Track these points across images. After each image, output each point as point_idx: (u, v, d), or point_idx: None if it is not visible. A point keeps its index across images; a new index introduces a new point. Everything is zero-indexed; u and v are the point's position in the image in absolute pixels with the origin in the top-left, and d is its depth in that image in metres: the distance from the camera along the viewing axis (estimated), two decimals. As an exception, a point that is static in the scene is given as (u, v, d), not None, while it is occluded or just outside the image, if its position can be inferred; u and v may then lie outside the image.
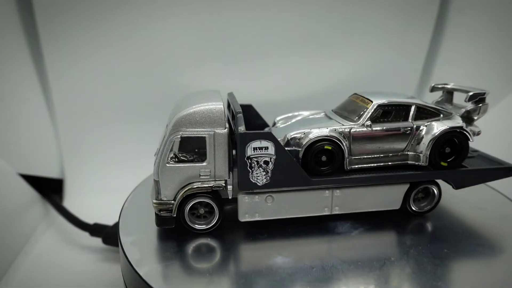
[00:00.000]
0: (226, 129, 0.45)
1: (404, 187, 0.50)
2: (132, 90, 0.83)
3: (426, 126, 0.50)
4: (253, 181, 0.45)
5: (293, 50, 0.86)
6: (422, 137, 0.49)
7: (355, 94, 0.55)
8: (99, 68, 0.81)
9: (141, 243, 0.46)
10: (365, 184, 0.49)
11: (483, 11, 0.87)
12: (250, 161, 0.45)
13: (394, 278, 0.40)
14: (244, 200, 0.47)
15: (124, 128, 0.85)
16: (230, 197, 0.47)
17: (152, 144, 0.87)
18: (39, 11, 0.75)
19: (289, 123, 0.55)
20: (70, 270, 0.63)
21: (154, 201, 0.46)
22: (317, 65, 0.88)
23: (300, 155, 0.47)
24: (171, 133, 0.45)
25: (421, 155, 0.49)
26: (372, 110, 0.49)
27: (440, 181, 0.52)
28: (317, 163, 0.48)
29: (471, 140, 0.50)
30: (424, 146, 0.49)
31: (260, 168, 0.45)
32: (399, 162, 0.50)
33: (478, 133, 0.52)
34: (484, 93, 0.52)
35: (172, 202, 0.46)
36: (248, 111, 0.60)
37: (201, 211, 0.48)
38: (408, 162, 0.50)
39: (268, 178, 0.46)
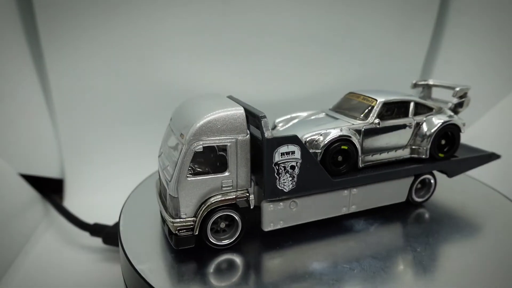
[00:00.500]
0: (248, 135, 0.42)
1: (410, 180, 0.53)
2: (132, 90, 0.83)
3: (425, 121, 0.53)
4: (280, 188, 0.44)
5: (293, 50, 0.86)
6: (423, 132, 0.52)
7: (352, 92, 0.56)
8: (99, 68, 0.81)
9: (142, 243, 0.46)
10: (379, 180, 0.50)
11: (482, 11, 0.87)
12: (277, 167, 0.43)
13: (431, 268, 0.42)
14: (269, 209, 0.45)
15: (124, 128, 0.86)
16: (252, 207, 0.45)
17: (152, 144, 0.88)
18: (40, 11, 0.75)
19: (290, 124, 0.55)
20: (70, 270, 0.63)
21: (172, 220, 0.41)
22: (317, 65, 0.88)
23: (320, 156, 0.47)
24: (191, 143, 0.40)
25: (423, 148, 0.52)
26: (379, 108, 0.50)
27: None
28: (333, 163, 0.48)
29: (462, 132, 0.54)
30: (425, 140, 0.52)
31: (287, 174, 0.44)
32: (404, 157, 0.53)
33: (464, 125, 0.55)
34: (468, 88, 0.57)
35: (193, 219, 0.42)
36: None
37: (222, 225, 0.44)
38: (413, 155, 0.53)
39: (294, 183, 0.44)
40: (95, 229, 0.67)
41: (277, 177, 0.43)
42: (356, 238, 0.47)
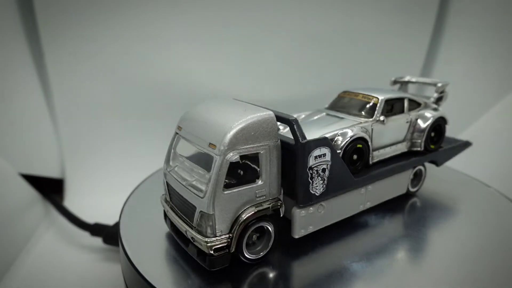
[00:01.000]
0: (279, 140, 0.40)
1: (409, 172, 0.56)
2: (132, 90, 0.83)
3: (418, 115, 0.56)
4: (313, 192, 0.43)
5: (293, 51, 0.86)
6: (418, 126, 0.55)
7: (347, 91, 0.56)
8: (100, 68, 0.81)
9: (142, 242, 0.46)
10: (390, 175, 0.52)
11: (482, 11, 0.87)
12: (311, 172, 0.42)
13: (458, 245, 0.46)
14: (301, 215, 0.43)
15: (125, 128, 0.86)
16: (281, 215, 0.43)
17: (152, 144, 0.88)
18: (40, 11, 0.75)
19: None
20: (71, 270, 0.63)
21: (207, 240, 0.38)
22: (317, 65, 0.88)
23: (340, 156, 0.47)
24: (226, 153, 0.37)
25: (419, 141, 0.55)
26: (382, 105, 0.52)
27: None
28: (350, 162, 0.48)
29: (448, 124, 0.58)
30: (420, 134, 0.55)
31: (319, 177, 0.43)
32: (402, 151, 0.55)
33: None
34: (448, 84, 0.61)
35: (229, 235, 0.39)
36: None
37: (254, 237, 0.42)
38: (412, 149, 0.56)
39: (325, 186, 0.44)
40: (96, 229, 0.67)
41: (311, 181, 0.42)
42: (376, 233, 0.49)
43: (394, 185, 0.54)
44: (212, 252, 0.38)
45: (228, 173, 0.37)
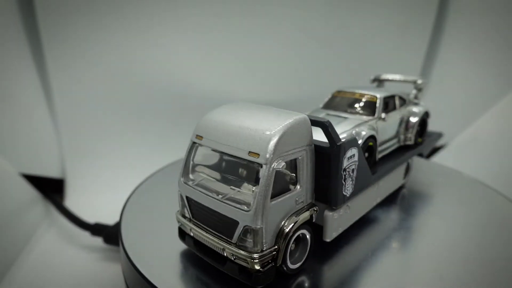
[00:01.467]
0: (313, 144, 0.39)
1: (404, 166, 0.59)
2: (133, 90, 0.83)
3: (407, 111, 0.58)
4: (345, 194, 0.42)
5: (292, 51, 0.86)
6: (408, 121, 0.58)
7: (341, 91, 0.57)
8: (101, 68, 0.81)
9: (143, 242, 0.46)
10: (394, 169, 0.54)
11: (482, 11, 0.87)
12: (344, 173, 0.41)
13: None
14: (334, 218, 0.43)
15: (125, 128, 0.86)
16: (314, 220, 0.41)
17: (152, 144, 0.88)
18: (41, 11, 0.75)
19: None
20: (71, 270, 0.63)
21: (255, 256, 0.35)
22: (317, 66, 0.88)
23: None
24: (272, 161, 0.34)
25: (409, 136, 0.58)
26: (382, 104, 0.53)
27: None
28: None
29: (429, 117, 0.61)
30: (411, 128, 0.58)
31: (349, 178, 0.42)
32: (398, 145, 0.58)
33: None
34: (427, 81, 0.64)
35: (274, 248, 0.36)
36: None
37: (292, 246, 0.39)
38: (406, 143, 0.58)
39: (353, 186, 0.43)
40: (96, 229, 0.67)
41: (344, 183, 0.42)
42: (390, 225, 0.50)
43: (395, 178, 0.57)
44: (259, 268, 0.35)
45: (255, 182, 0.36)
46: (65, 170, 0.86)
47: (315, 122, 0.39)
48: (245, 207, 0.35)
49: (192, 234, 0.41)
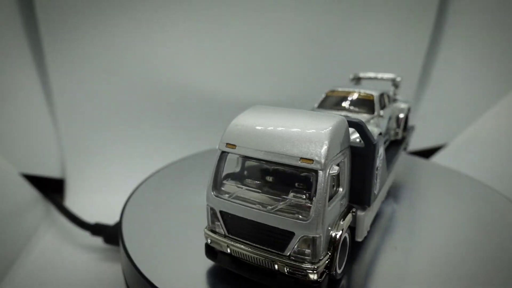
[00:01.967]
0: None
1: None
2: (133, 90, 0.84)
3: (395, 108, 0.59)
4: (375, 192, 0.41)
5: (292, 51, 0.86)
6: (398, 117, 0.59)
7: (335, 90, 0.57)
8: (101, 68, 0.81)
9: (143, 242, 0.46)
10: (395, 163, 0.54)
11: (482, 11, 0.87)
12: (376, 171, 0.41)
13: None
14: (367, 217, 0.41)
15: (125, 128, 0.86)
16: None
17: (152, 144, 0.88)
18: (41, 11, 0.75)
19: None
20: (71, 270, 0.63)
21: (315, 266, 0.33)
22: (316, 65, 0.88)
23: None
24: (327, 166, 0.33)
25: (398, 130, 0.59)
26: (379, 101, 0.53)
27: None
28: None
29: (410, 112, 0.63)
30: (399, 123, 0.59)
31: (378, 176, 0.42)
32: (390, 140, 0.58)
33: None
34: (401, 78, 0.65)
35: (328, 255, 0.35)
36: None
37: None
38: (396, 138, 0.59)
39: (378, 183, 0.42)
40: (96, 229, 0.67)
41: (376, 181, 0.41)
42: (390, 225, 0.50)
43: (394, 172, 0.58)
44: (317, 278, 0.34)
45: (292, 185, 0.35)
46: (66, 170, 0.86)
47: (349, 123, 0.39)
48: (302, 217, 0.33)
49: (228, 251, 0.37)
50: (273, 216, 0.34)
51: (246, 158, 0.37)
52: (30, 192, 0.78)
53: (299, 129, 0.35)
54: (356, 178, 0.40)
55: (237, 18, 0.82)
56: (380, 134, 0.48)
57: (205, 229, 0.39)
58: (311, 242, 0.33)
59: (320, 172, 0.33)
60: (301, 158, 0.33)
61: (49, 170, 0.85)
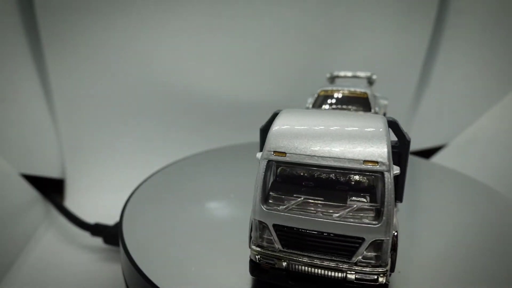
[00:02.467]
0: None
1: None
2: (133, 90, 0.84)
3: (379, 104, 0.59)
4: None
5: (292, 51, 0.86)
6: (384, 114, 0.59)
7: (327, 90, 0.56)
8: (101, 68, 0.81)
9: (143, 242, 0.46)
10: None
11: (482, 11, 0.87)
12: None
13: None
14: (397, 213, 0.41)
15: (125, 128, 0.86)
16: None
17: (152, 144, 0.88)
18: (41, 11, 0.75)
19: None
20: (71, 270, 0.63)
21: (385, 269, 0.33)
22: (316, 65, 0.88)
23: None
24: (391, 167, 0.33)
25: None
26: (372, 99, 0.53)
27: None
28: None
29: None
30: None
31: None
32: None
33: None
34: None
35: (391, 256, 0.34)
36: None
37: None
38: None
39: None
40: (96, 229, 0.67)
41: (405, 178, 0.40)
42: (400, 217, 0.50)
43: None
44: (386, 281, 0.33)
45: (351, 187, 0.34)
46: (65, 170, 0.86)
47: None
48: (371, 221, 0.32)
49: (284, 266, 0.35)
50: (340, 224, 0.33)
51: (297, 165, 0.35)
52: (30, 192, 0.78)
53: (352, 130, 0.34)
54: None
55: (238, 18, 0.82)
56: None
57: (253, 246, 0.36)
58: (381, 245, 0.32)
59: (386, 174, 0.32)
60: (365, 160, 0.32)
61: (49, 170, 0.85)
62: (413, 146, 0.89)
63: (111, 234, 0.64)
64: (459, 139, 0.91)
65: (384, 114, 0.61)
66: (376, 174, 0.33)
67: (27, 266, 0.64)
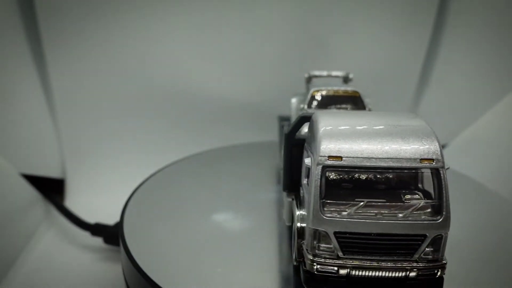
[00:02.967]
0: None
1: None
2: (133, 90, 0.83)
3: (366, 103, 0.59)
4: None
5: (293, 51, 0.86)
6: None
7: (320, 89, 0.56)
8: (101, 67, 0.81)
9: (144, 242, 0.46)
10: None
11: (482, 11, 0.87)
12: None
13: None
14: None
15: (126, 127, 0.86)
16: None
17: (153, 144, 0.88)
18: (41, 10, 0.75)
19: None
20: (71, 270, 0.63)
21: (445, 262, 0.35)
22: (316, 65, 0.88)
23: None
24: (445, 163, 0.34)
25: None
26: (363, 98, 0.53)
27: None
28: None
29: None
30: None
31: None
32: None
33: None
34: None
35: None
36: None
37: None
38: None
39: None
40: (96, 229, 0.67)
41: None
42: None
43: None
44: (442, 273, 0.35)
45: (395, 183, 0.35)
46: (66, 170, 0.86)
47: None
48: (432, 217, 0.34)
49: (345, 273, 0.34)
50: (404, 223, 0.33)
51: (354, 169, 0.34)
52: (30, 192, 0.78)
53: (399, 128, 0.34)
54: None
55: (238, 18, 0.82)
56: None
57: (309, 257, 0.35)
58: (442, 239, 0.34)
59: (441, 170, 0.33)
60: (422, 159, 0.33)
61: (49, 170, 0.85)
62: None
63: (111, 234, 0.64)
64: (459, 139, 0.91)
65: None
66: (426, 171, 0.34)
67: (27, 265, 0.64)
